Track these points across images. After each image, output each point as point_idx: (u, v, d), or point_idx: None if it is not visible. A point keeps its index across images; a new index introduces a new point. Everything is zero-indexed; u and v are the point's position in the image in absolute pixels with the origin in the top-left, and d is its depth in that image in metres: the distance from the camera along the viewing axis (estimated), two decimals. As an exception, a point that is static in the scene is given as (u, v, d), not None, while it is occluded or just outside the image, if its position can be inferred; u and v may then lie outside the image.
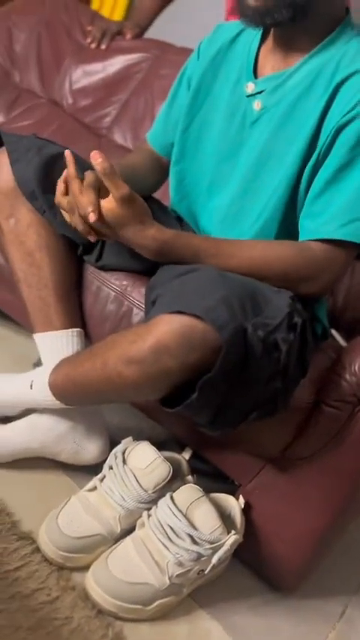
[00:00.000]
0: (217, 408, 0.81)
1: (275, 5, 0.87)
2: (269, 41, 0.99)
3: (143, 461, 0.96)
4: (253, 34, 1.02)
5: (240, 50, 1.04)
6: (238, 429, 0.86)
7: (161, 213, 1.13)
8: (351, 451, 0.93)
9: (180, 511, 0.91)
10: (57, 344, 1.02)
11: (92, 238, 0.88)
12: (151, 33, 1.76)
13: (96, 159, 0.83)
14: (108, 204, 0.86)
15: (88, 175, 0.87)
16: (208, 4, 1.91)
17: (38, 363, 1.07)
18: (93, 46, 1.70)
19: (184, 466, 1.04)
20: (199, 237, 0.99)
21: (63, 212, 0.93)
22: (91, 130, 1.69)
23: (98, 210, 0.85)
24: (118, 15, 2.54)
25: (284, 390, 0.85)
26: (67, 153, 0.89)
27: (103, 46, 1.69)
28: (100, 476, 0.98)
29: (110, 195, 0.86)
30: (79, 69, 1.70)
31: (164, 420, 1.06)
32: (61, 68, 1.73)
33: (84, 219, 0.87)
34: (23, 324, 1.20)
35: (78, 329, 1.04)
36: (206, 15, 1.94)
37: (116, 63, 1.68)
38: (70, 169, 0.88)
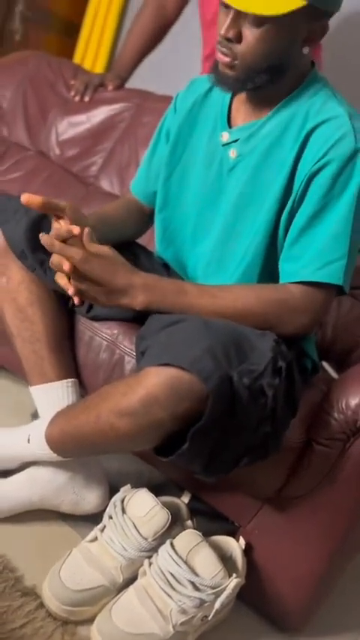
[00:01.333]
0: (209, 455, 0.83)
1: (254, 72, 0.92)
2: (241, 94, 1.04)
3: (142, 509, 0.97)
4: None
5: (214, 102, 1.08)
6: (232, 473, 0.87)
7: (147, 260, 1.17)
8: (344, 487, 0.94)
9: (180, 558, 0.92)
10: (52, 396, 1.04)
11: (76, 300, 0.91)
12: (132, 82, 1.83)
13: (28, 202, 0.86)
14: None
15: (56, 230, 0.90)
16: (185, 53, 1.99)
17: (36, 414, 1.09)
18: (77, 98, 1.75)
19: (184, 510, 1.05)
20: (182, 281, 1.02)
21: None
22: (79, 179, 1.74)
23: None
24: (99, 67, 2.64)
25: (274, 433, 0.87)
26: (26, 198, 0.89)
27: (86, 98, 1.75)
28: (100, 526, 0.99)
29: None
30: (65, 121, 1.76)
31: (161, 466, 1.08)
32: (47, 121, 1.78)
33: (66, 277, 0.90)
34: (20, 376, 1.22)
35: (72, 379, 1.07)
36: (184, 62, 2.02)
37: (100, 113, 1.73)
38: (55, 228, 0.91)
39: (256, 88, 0.95)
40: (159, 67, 1.97)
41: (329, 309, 1.02)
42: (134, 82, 1.83)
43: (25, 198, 0.86)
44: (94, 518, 1.04)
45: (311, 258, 0.94)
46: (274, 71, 0.92)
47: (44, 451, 0.98)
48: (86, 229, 0.88)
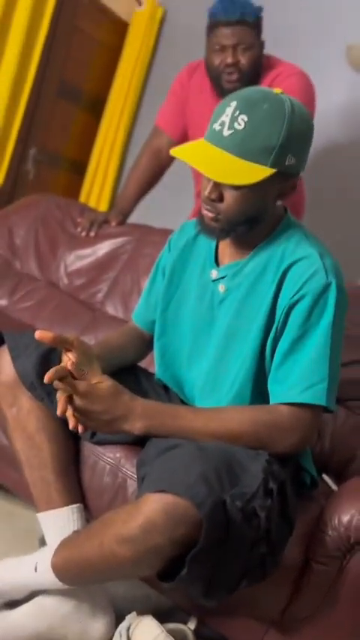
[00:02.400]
0: (209, 580, 0.86)
1: (236, 224, 1.05)
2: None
3: (147, 637, 0.98)
4: None
5: (203, 243, 1.22)
6: (233, 595, 0.89)
7: (147, 382, 1.26)
8: (347, 605, 0.95)
9: None
10: (59, 522, 1.08)
11: (80, 429, 0.99)
12: (133, 216, 2.03)
13: (41, 338, 0.96)
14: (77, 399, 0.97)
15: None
16: (179, 192, 2.21)
17: (43, 540, 1.12)
18: (83, 234, 1.95)
19: (190, 637, 1.05)
20: (179, 405, 1.10)
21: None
22: (86, 305, 1.89)
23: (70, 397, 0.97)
24: (104, 202, 2.91)
25: (270, 553, 0.90)
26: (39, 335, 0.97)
27: (92, 234, 1.94)
28: (106, 656, 0.99)
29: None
30: (73, 254, 1.94)
31: (166, 590, 1.09)
32: (56, 255, 1.96)
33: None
34: (27, 501, 1.27)
35: (78, 504, 1.11)
36: (179, 199, 2.24)
37: (104, 247, 1.91)
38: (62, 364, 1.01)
39: (238, 237, 1.09)
40: (157, 202, 2.18)
41: (317, 428, 1.08)
42: (135, 215, 2.04)
43: (38, 334, 0.96)
44: (100, 648, 1.04)
45: (295, 381, 1.02)
46: (252, 222, 1.06)
47: (51, 580, 1.01)
48: (70, 361, 0.98)
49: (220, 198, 1.03)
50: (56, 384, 0.96)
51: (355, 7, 2.48)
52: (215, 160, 0.99)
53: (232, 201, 1.02)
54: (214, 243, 1.20)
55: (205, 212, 1.06)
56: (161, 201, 2.25)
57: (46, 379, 0.94)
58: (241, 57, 1.66)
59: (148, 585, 1.15)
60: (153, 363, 1.31)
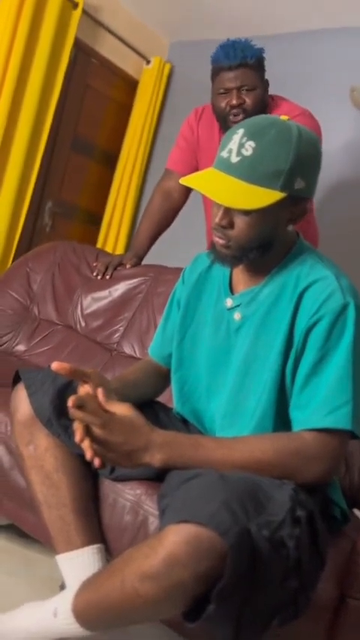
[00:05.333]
0: (238, 617, 0.80)
1: (247, 250, 1.05)
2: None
3: None
4: None
5: (216, 273, 1.22)
6: (264, 637, 0.83)
7: (166, 417, 1.23)
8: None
9: None
10: (78, 564, 1.04)
11: (97, 463, 0.95)
12: (148, 256, 2.05)
13: (57, 369, 0.93)
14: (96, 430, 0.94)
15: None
16: (192, 228, 2.24)
17: (63, 586, 1.07)
18: (99, 277, 1.97)
19: None
20: (199, 435, 1.06)
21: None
22: (103, 346, 1.88)
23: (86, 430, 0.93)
24: (121, 245, 2.96)
25: (303, 588, 0.84)
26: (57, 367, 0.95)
27: (107, 277, 1.96)
28: None
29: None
30: (89, 297, 1.95)
31: (194, 637, 1.02)
32: (73, 298, 1.98)
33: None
34: (46, 545, 1.22)
35: (98, 545, 1.07)
36: (191, 235, 2.27)
37: (120, 288, 1.92)
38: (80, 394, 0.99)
39: (250, 262, 1.08)
40: (171, 241, 2.19)
41: (343, 455, 1.04)
42: (149, 256, 2.05)
43: (55, 365, 0.94)
44: None
45: (318, 406, 0.98)
46: (264, 248, 1.05)
47: (71, 625, 0.95)
48: (100, 389, 0.96)
49: (231, 225, 1.03)
50: (73, 412, 0.93)
51: (357, 51, 2.57)
52: (224, 185, 0.99)
53: (243, 226, 1.02)
54: (227, 272, 1.19)
55: (216, 240, 1.06)
56: (175, 238, 2.27)
57: (70, 402, 0.91)
58: (245, 97, 1.71)
59: (173, 635, 1.08)
60: (171, 399, 1.29)
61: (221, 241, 1.05)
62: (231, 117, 1.74)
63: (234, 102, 1.71)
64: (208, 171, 1.04)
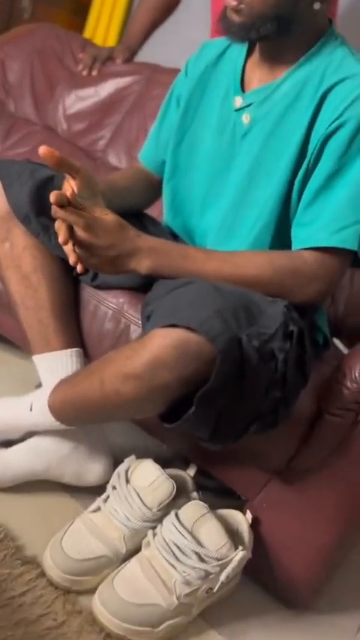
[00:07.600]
0: (217, 421, 0.80)
1: (260, 19, 0.89)
2: (255, 55, 1.00)
3: (146, 479, 0.95)
4: (239, 49, 1.03)
5: (227, 66, 1.05)
6: (240, 442, 0.85)
7: (155, 230, 1.14)
8: (356, 460, 0.92)
9: (185, 528, 0.90)
10: (56, 364, 1.01)
11: (79, 268, 0.88)
12: (141, 57, 1.79)
13: (45, 155, 0.81)
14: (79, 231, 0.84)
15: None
16: (195, 24, 1.95)
17: (39, 386, 1.06)
18: (85, 72, 1.72)
19: (189, 483, 1.03)
20: (190, 246, 0.99)
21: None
22: (87, 154, 1.71)
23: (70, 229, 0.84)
24: (111, 41, 2.59)
25: (284, 399, 0.84)
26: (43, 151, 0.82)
27: (94, 72, 1.72)
28: (103, 496, 0.97)
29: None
30: (72, 94, 1.73)
31: (167, 437, 1.05)
32: (54, 95, 1.75)
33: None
34: (23, 348, 1.20)
35: (77, 349, 1.04)
36: (194, 35, 1.97)
37: (108, 87, 1.70)
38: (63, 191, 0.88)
39: (263, 39, 0.92)
40: (167, 40, 1.92)
41: (343, 277, 0.99)
42: (142, 56, 1.80)
43: (42, 150, 0.81)
44: (96, 490, 1.02)
45: (325, 223, 0.90)
46: (281, 23, 0.89)
47: (47, 419, 0.96)
48: (76, 180, 0.85)
49: None
50: (55, 210, 0.83)
51: None
52: None
53: None
54: (240, 65, 1.03)
55: (227, 1, 0.90)
56: (173, 38, 1.98)
57: (52, 198, 0.80)
58: None
59: (147, 436, 1.12)
60: (162, 214, 1.19)
61: (233, 3, 0.89)
62: None
63: None
64: None
